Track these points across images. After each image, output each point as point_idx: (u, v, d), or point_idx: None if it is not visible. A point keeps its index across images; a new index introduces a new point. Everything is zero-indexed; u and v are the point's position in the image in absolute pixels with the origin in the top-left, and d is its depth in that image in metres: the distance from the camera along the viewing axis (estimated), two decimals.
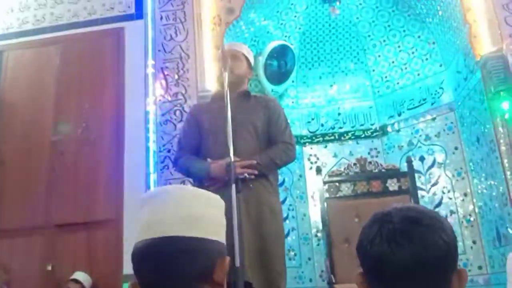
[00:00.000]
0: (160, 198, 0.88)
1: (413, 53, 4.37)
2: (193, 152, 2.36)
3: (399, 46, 4.43)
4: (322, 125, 4.59)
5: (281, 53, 4.38)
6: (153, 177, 3.18)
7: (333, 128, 4.56)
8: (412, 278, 0.83)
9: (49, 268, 3.06)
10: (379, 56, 4.54)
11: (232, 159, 2.00)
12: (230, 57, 2.37)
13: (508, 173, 2.99)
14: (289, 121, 2.47)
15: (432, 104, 4.17)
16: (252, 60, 2.54)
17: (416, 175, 3.74)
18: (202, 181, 2.24)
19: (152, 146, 3.23)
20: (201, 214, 0.87)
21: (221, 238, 0.90)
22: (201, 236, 0.85)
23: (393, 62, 4.49)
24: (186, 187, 0.94)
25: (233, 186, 1.92)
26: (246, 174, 2.12)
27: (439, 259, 0.83)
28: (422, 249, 0.83)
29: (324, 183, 3.47)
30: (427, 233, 0.84)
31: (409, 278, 0.83)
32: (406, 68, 4.42)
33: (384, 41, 4.49)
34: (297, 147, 3.03)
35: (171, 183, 3.09)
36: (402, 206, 0.90)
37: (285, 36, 4.57)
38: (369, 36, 4.54)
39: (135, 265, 0.87)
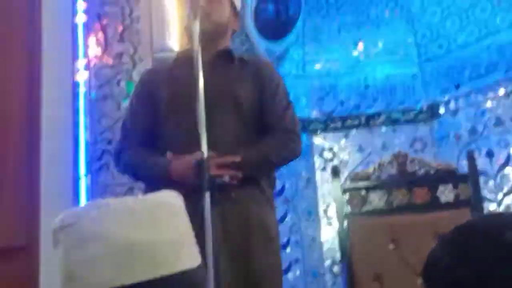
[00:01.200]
0: (77, 230, 0.86)
1: None
2: (145, 142, 2.37)
3: None
4: (342, 103, 4.59)
5: None
6: (85, 181, 3.16)
7: (358, 108, 4.56)
8: None
9: None
10: None
11: (206, 154, 2.00)
12: None
13: None
14: (291, 97, 2.47)
15: (507, 72, 4.16)
16: (238, 4, 2.55)
17: (482, 178, 3.74)
18: (158, 186, 2.20)
19: (84, 135, 3.22)
20: (143, 243, 0.86)
21: (184, 264, 0.90)
22: (148, 277, 0.85)
23: (448, 7, 4.47)
24: (112, 204, 0.89)
25: (207, 195, 1.93)
26: (226, 177, 2.13)
27: None
28: None
29: (345, 191, 3.48)
30: None
31: None
32: (467, 18, 4.40)
33: None
34: (303, 136, 3.01)
35: (115, 191, 3.10)
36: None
37: None
38: None
39: None
